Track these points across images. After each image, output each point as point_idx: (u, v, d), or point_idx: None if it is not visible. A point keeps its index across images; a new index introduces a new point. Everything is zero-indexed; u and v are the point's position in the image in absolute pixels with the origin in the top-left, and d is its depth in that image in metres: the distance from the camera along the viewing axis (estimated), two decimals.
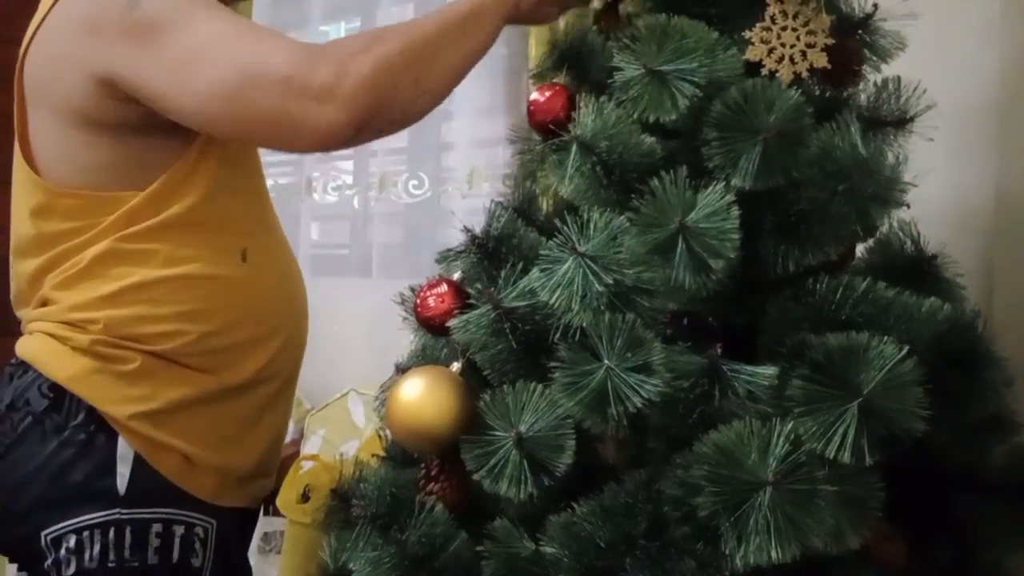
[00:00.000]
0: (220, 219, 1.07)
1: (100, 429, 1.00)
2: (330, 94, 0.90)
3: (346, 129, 0.92)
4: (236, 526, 1.12)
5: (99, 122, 1.01)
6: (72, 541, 0.99)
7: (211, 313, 1.05)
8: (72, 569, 0.99)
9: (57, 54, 1.01)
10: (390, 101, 0.94)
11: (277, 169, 2.76)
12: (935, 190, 1.30)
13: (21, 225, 1.08)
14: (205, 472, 1.04)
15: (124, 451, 1.00)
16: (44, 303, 1.07)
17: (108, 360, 1.01)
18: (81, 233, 1.03)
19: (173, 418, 1.02)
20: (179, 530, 1.02)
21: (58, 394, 1.01)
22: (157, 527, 1.01)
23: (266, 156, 2.99)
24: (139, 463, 1.01)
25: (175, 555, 1.01)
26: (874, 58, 1.03)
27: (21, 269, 1.09)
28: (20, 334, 1.11)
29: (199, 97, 0.94)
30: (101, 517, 0.99)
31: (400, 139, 2.47)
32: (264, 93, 0.91)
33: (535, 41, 1.96)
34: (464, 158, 2.25)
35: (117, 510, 1.00)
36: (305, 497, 1.80)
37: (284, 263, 1.18)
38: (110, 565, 0.99)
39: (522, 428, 0.91)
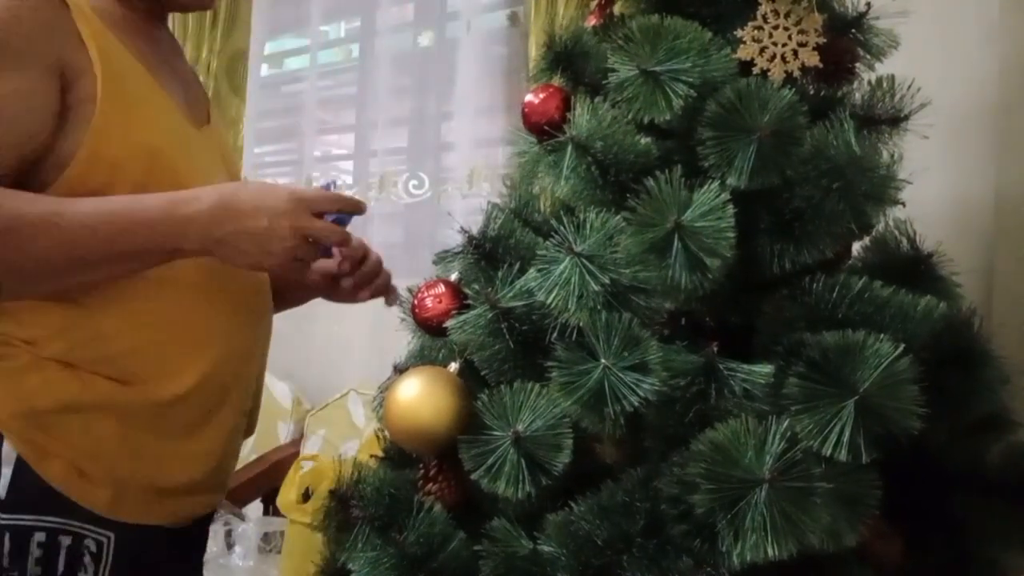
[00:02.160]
0: None
1: None
2: None
3: None
4: (154, 545, 1.03)
5: None
6: None
7: (102, 316, 0.97)
8: None
9: None
10: None
11: (277, 169, 2.77)
12: (935, 190, 1.30)
13: None
14: (99, 483, 0.97)
15: (7, 453, 0.95)
16: None
17: None
18: None
19: (61, 421, 0.96)
20: (66, 541, 0.95)
21: None
22: (40, 536, 0.94)
23: (266, 156, 3.00)
24: (21, 466, 0.95)
25: (60, 567, 0.95)
26: (868, 56, 1.03)
27: None
28: None
29: None
30: None
31: (400, 139, 2.48)
32: None
33: (535, 42, 1.97)
34: (464, 158, 2.26)
35: None
36: (306, 497, 1.80)
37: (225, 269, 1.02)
38: None
39: (520, 428, 0.91)
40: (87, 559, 0.96)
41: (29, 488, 0.95)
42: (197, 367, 1.02)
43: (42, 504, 0.95)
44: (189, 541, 1.12)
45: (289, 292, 1.21)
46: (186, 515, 1.07)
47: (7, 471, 0.95)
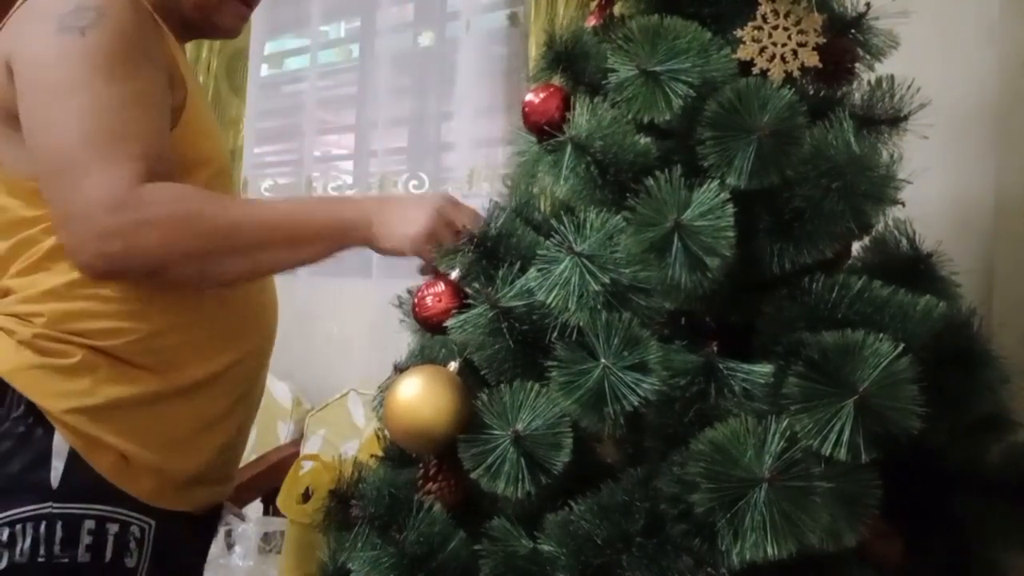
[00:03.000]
0: None
1: (38, 423, 1.00)
2: (107, 246, 0.96)
3: (98, 272, 1.00)
4: (181, 531, 1.10)
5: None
6: (5, 534, 0.98)
7: (160, 313, 1.05)
8: (4, 563, 0.98)
9: None
10: (162, 267, 1.00)
11: (277, 169, 2.77)
12: (935, 190, 1.30)
13: None
14: (143, 472, 1.04)
15: (59, 445, 1.00)
16: (5, 293, 1.06)
17: (48, 354, 1.01)
18: (40, 221, 1.03)
19: (111, 415, 1.02)
20: (113, 528, 1.01)
21: (1, 387, 1.02)
22: (90, 523, 1.00)
23: (266, 156, 3.01)
24: (73, 458, 1.01)
25: (108, 553, 1.01)
26: (867, 57, 1.03)
27: None
28: None
29: (32, 142, 0.99)
30: (33, 510, 0.99)
31: (400, 139, 2.48)
32: (69, 194, 0.96)
33: (535, 42, 1.97)
34: (464, 158, 2.26)
35: (49, 504, 0.99)
36: (306, 497, 1.80)
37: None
38: (39, 560, 0.98)
39: (519, 427, 0.91)
40: (132, 545, 1.02)
41: (80, 479, 1.01)
42: (228, 355, 1.11)
43: (92, 494, 1.01)
44: (206, 527, 1.20)
45: None
46: (206, 502, 1.14)
47: (59, 463, 1.01)
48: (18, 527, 0.98)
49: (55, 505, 0.99)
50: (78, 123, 0.96)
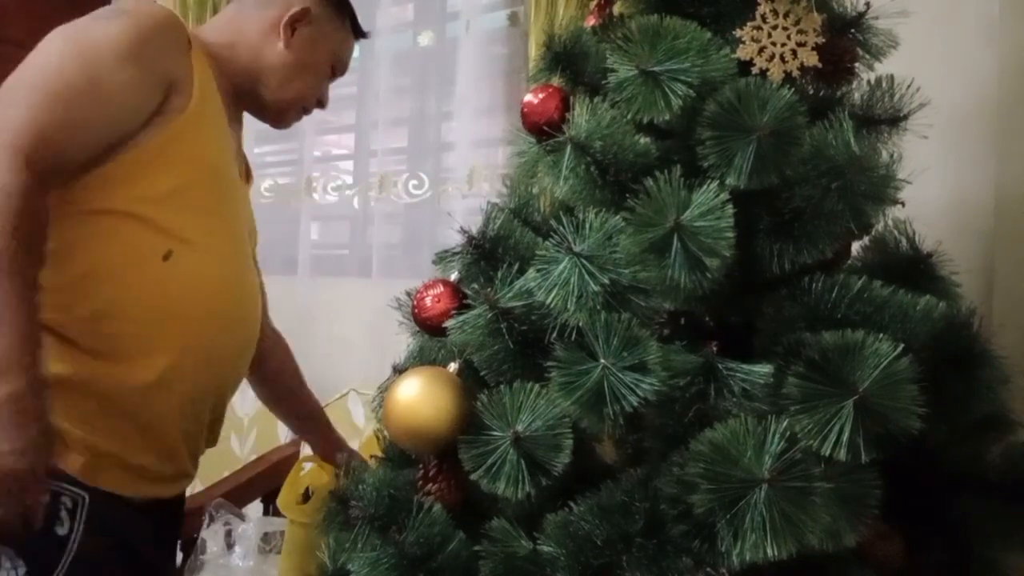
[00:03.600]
0: (149, 218, 1.13)
1: None
2: None
3: None
4: (127, 515, 1.14)
5: None
6: None
7: (109, 294, 1.10)
8: None
9: None
10: None
11: (277, 169, 2.76)
12: (935, 190, 1.30)
13: None
14: (76, 450, 1.08)
15: None
16: None
17: None
18: None
19: (52, 395, 1.06)
20: (43, 497, 1.04)
21: None
22: None
23: (266, 156, 2.99)
24: None
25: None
26: (867, 56, 1.03)
27: None
28: None
29: None
30: None
31: (400, 139, 2.48)
32: None
33: (535, 42, 1.97)
34: (464, 158, 2.26)
35: None
36: (306, 497, 1.80)
37: (221, 282, 1.23)
38: None
39: (519, 428, 0.91)
40: (63, 514, 1.08)
41: None
42: (170, 355, 1.14)
43: None
44: (154, 521, 1.21)
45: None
46: (146, 494, 1.18)
47: None
48: None
49: None
50: (36, 73, 1.07)
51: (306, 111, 1.40)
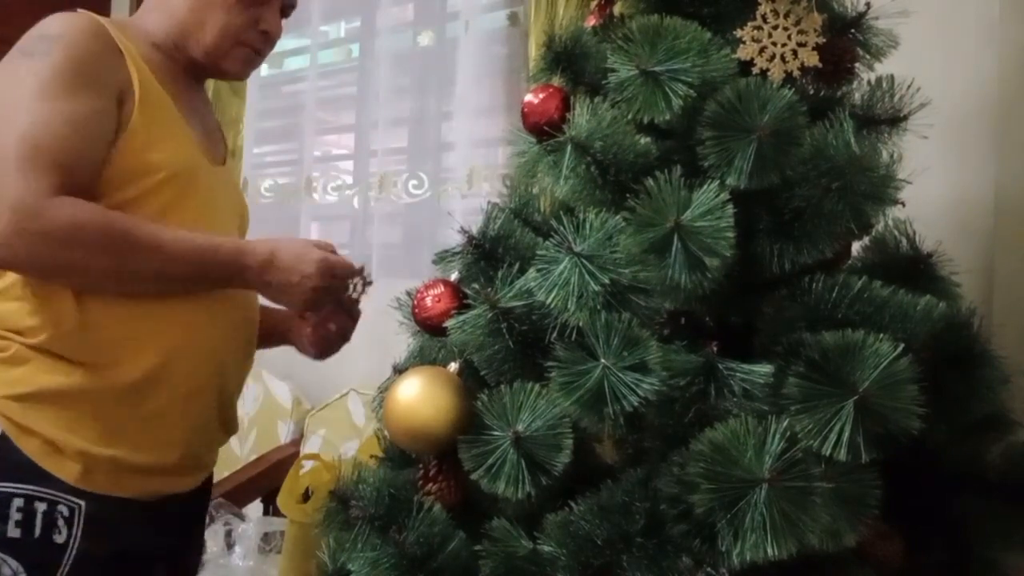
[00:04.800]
0: None
1: None
2: (7, 245, 1.02)
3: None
4: (131, 516, 1.15)
5: None
6: None
7: (90, 311, 1.11)
8: None
9: None
10: (53, 276, 1.08)
11: (277, 169, 2.76)
12: (935, 190, 1.30)
13: None
14: (71, 458, 1.10)
15: None
16: None
17: None
18: None
19: (42, 403, 1.09)
20: (41, 507, 1.08)
21: None
22: (19, 501, 1.08)
23: (266, 156, 2.99)
24: (4, 442, 1.09)
25: (37, 529, 1.08)
26: (867, 56, 1.03)
27: None
28: None
29: None
30: None
31: (400, 139, 2.48)
32: None
33: (535, 42, 1.97)
34: (464, 158, 2.26)
35: None
36: (306, 497, 1.80)
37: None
38: None
39: (520, 428, 0.91)
40: (60, 522, 1.10)
41: (10, 460, 1.08)
42: (162, 354, 1.15)
43: (20, 474, 1.08)
44: (165, 516, 1.21)
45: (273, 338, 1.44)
46: (154, 491, 1.18)
47: None
48: None
49: None
50: (11, 134, 1.05)
51: (255, 50, 1.28)
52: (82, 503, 1.10)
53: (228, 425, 1.30)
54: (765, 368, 0.89)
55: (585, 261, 0.89)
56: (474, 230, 1.08)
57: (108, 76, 1.13)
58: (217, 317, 1.22)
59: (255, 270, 1.14)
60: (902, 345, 0.83)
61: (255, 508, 2.21)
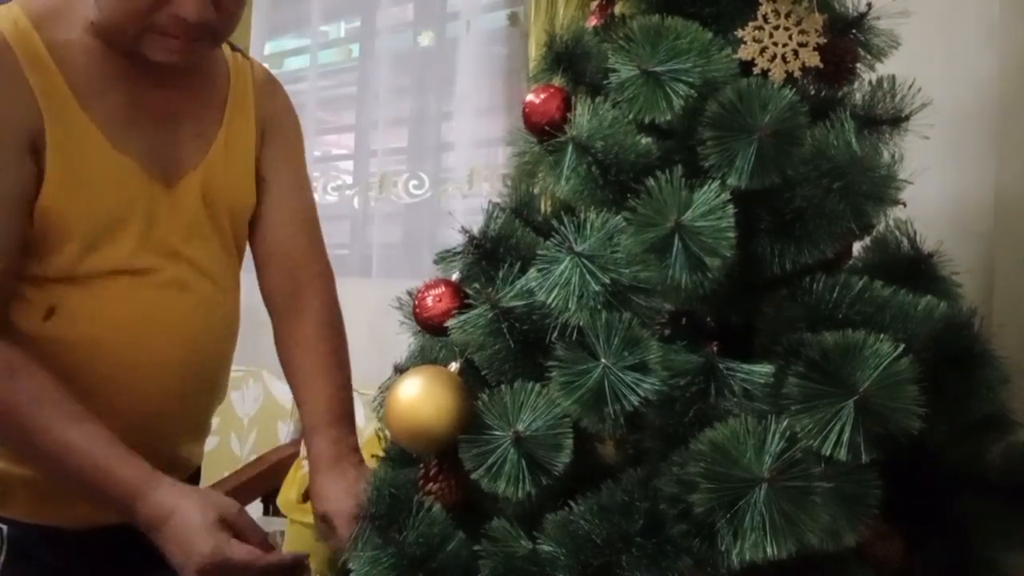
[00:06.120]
0: (33, 275, 1.08)
1: None
2: None
3: None
4: (58, 545, 1.13)
5: None
6: None
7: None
8: None
9: None
10: None
11: None
12: (935, 190, 1.30)
13: None
14: None
15: None
16: None
17: None
18: None
19: None
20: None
21: None
22: None
23: None
24: None
25: None
26: (868, 57, 1.03)
27: None
28: None
29: None
30: None
31: (400, 139, 2.48)
32: None
33: (535, 42, 1.97)
34: (464, 158, 2.26)
35: None
36: (306, 497, 1.80)
37: (115, 325, 1.13)
38: None
39: (520, 427, 0.91)
40: None
41: None
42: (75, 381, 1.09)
43: None
44: (102, 549, 1.16)
45: None
46: (83, 520, 1.14)
47: None
48: None
49: None
50: None
51: (171, 34, 1.08)
52: (4, 527, 1.09)
53: (171, 464, 1.20)
54: (765, 368, 0.89)
55: (586, 261, 0.89)
56: (475, 230, 1.08)
57: (13, 122, 1.01)
58: (132, 365, 1.15)
59: (143, 521, 1.06)
60: (902, 345, 0.83)
61: (255, 508, 2.21)
